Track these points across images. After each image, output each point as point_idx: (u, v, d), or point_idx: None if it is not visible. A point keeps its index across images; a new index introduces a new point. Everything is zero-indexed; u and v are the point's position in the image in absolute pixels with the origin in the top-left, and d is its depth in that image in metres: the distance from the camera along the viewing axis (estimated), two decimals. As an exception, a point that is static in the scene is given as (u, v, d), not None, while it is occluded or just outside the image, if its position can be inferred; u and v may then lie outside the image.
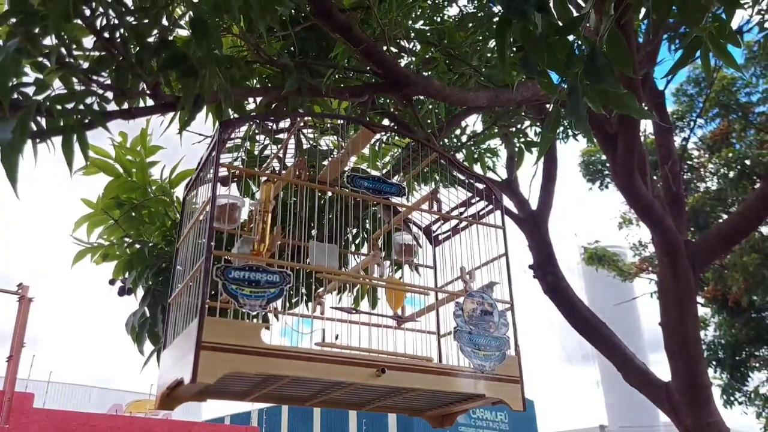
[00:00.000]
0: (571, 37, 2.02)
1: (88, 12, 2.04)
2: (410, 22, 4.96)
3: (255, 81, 3.45)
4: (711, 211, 10.71)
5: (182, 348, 1.75)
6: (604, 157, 11.50)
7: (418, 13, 5.59)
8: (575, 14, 2.07)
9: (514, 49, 2.60)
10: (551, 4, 2.04)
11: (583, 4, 2.82)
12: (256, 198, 3.62)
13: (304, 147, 3.35)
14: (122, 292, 3.66)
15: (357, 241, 3.75)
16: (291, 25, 2.84)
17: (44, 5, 1.91)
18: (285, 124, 3.27)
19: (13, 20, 1.87)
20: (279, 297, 1.86)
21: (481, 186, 2.54)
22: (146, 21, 2.05)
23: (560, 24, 2.03)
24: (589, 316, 6.38)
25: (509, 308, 2.22)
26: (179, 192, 3.85)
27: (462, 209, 2.68)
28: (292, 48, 3.52)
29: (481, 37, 3.61)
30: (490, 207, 2.56)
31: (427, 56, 3.72)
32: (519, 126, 4.38)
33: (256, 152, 3.55)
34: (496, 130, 3.95)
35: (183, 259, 2.32)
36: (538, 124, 5.21)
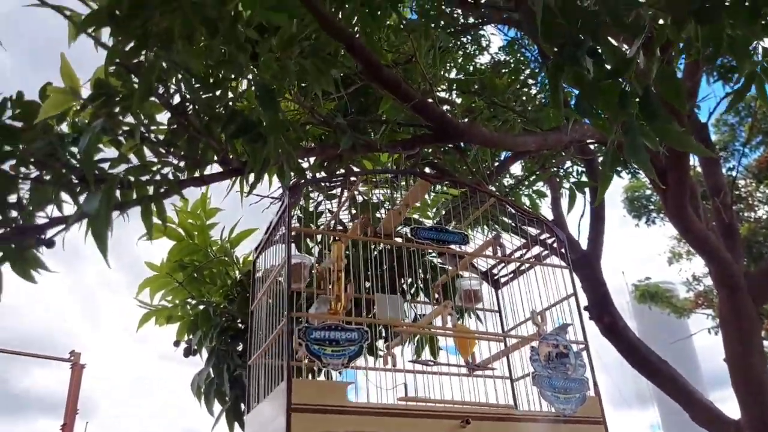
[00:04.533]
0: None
1: (161, 89, 2.18)
2: (446, 72, 5.09)
3: (308, 140, 3.58)
4: (765, 241, 10.39)
5: (271, 410, 1.79)
6: (648, 192, 11.35)
7: (452, 65, 5.73)
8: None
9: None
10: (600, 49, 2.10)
11: (614, 42, 2.86)
12: (314, 252, 3.70)
13: (359, 201, 3.43)
14: (187, 353, 3.73)
15: (413, 290, 3.79)
16: (343, 85, 2.96)
17: (123, 86, 2.06)
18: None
19: (97, 102, 2.01)
20: (359, 354, 1.90)
21: (541, 228, 2.56)
22: (216, 93, 2.17)
23: (611, 67, 2.08)
24: (650, 355, 6.22)
25: (584, 348, 2.22)
26: (238, 251, 3.97)
27: (524, 251, 2.70)
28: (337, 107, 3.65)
29: (519, 85, 3.68)
30: (553, 247, 2.57)
31: (470, 105, 3.81)
32: (565, 167, 4.41)
33: (311, 208, 3.65)
34: (539, 174, 4.00)
35: (259, 321, 2.38)
36: (583, 165, 5.22)
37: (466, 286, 2.68)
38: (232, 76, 2.34)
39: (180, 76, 2.17)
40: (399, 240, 2.45)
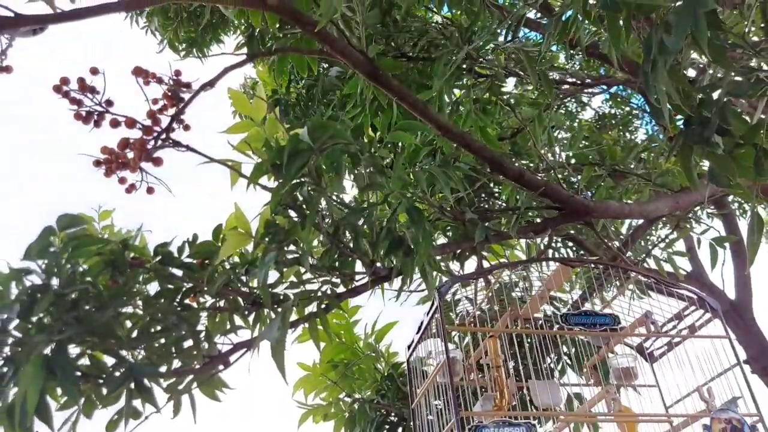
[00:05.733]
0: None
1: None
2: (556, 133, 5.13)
3: (438, 234, 3.76)
4: None
5: None
6: (790, 223, 10.51)
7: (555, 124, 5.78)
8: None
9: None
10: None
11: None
12: (456, 340, 3.80)
13: (494, 286, 3.53)
14: (348, 450, 3.89)
15: (560, 366, 3.78)
16: (468, 183, 3.13)
17: (287, 222, 2.34)
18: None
19: (267, 239, 2.30)
20: (531, 449, 1.96)
21: (691, 299, 2.54)
22: (365, 215, 2.41)
23: (740, 137, 2.10)
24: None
25: (758, 420, 2.14)
26: (382, 345, 4.16)
27: (676, 322, 2.67)
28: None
29: (642, 149, 3.69)
30: (708, 317, 2.53)
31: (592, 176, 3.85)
32: (699, 222, 4.28)
33: (448, 297, 3.78)
34: (676, 234, 3.91)
35: (421, 417, 2.50)
36: (719, 217, 5.04)
37: (622, 363, 2.67)
38: (373, 197, 2.58)
39: (330, 203, 2.44)
40: (550, 329, 2.51)
